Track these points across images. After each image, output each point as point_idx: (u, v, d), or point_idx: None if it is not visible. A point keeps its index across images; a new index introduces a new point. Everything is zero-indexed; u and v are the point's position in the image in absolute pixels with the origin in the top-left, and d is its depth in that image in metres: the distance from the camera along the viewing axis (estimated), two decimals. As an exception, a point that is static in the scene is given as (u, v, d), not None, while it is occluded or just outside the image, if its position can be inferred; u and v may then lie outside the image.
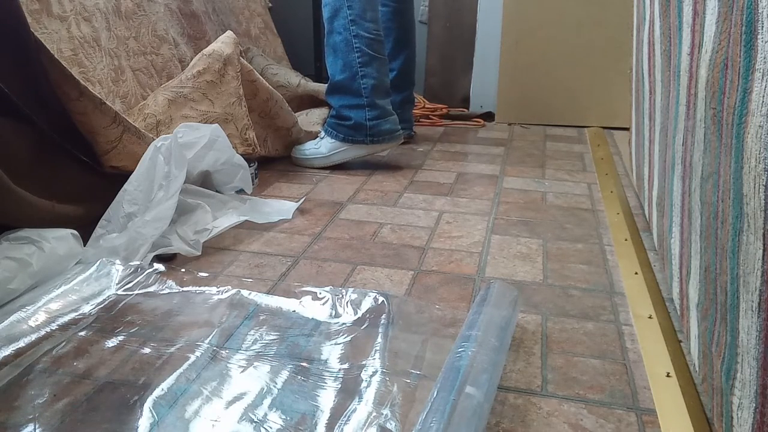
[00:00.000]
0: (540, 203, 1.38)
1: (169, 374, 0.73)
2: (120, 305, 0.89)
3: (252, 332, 0.83)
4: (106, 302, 0.90)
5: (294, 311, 0.89)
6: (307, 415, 0.67)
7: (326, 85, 1.62)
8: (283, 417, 0.66)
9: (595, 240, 1.17)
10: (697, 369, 0.74)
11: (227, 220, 1.17)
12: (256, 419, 0.66)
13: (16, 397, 0.69)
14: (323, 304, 0.90)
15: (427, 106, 2.28)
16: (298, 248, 1.12)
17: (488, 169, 1.64)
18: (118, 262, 0.98)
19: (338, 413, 0.67)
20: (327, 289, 0.93)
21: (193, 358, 0.77)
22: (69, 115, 1.10)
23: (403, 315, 0.87)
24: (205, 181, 1.28)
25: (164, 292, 0.94)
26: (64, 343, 0.79)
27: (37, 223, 0.98)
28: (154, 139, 1.13)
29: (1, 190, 0.93)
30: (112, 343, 0.80)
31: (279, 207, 1.28)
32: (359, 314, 0.87)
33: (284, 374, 0.74)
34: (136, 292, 0.93)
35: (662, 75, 1.00)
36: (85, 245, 1.02)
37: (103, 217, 1.07)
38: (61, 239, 0.96)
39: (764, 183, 0.49)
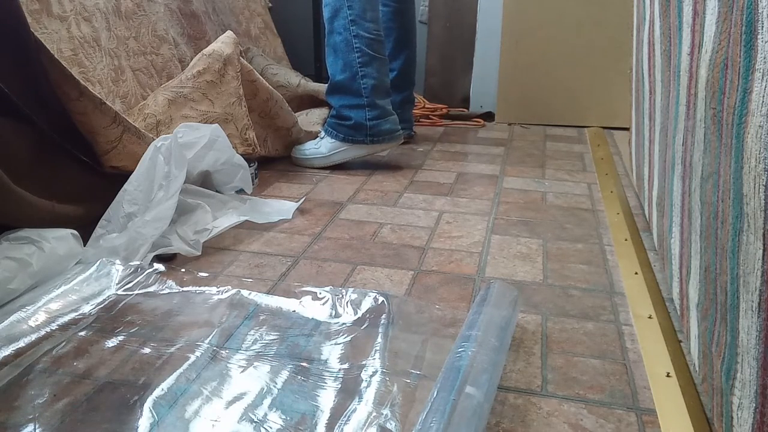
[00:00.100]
0: (540, 203, 1.38)
1: (169, 374, 0.73)
2: (120, 305, 0.89)
3: (252, 332, 0.83)
4: (106, 302, 0.90)
5: (294, 311, 0.89)
6: (307, 415, 0.67)
7: (326, 85, 1.62)
8: (283, 417, 0.66)
9: (595, 240, 1.17)
10: (697, 369, 0.74)
11: (227, 220, 1.17)
12: (256, 419, 0.66)
13: (16, 397, 0.69)
14: (323, 304, 0.90)
15: (427, 106, 2.28)
16: (298, 248, 1.12)
17: (488, 169, 1.64)
18: (118, 262, 0.98)
19: (338, 413, 0.67)
20: (327, 289, 0.93)
21: (193, 358, 0.77)
22: (69, 115, 1.10)
23: (403, 315, 0.87)
24: (205, 181, 1.28)
25: (164, 292, 0.94)
26: (64, 343, 0.79)
27: (37, 223, 0.98)
28: (154, 139, 1.13)
29: (1, 190, 0.93)
30: (112, 343, 0.80)
31: (279, 207, 1.28)
32: (359, 314, 0.87)
33: (284, 374, 0.74)
34: (136, 292, 0.93)
35: (662, 75, 1.00)
36: (85, 245, 1.02)
37: (103, 217, 1.07)
38: (61, 239, 0.96)
39: (764, 183, 0.49)
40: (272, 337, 0.82)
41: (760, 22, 0.50)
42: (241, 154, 1.31)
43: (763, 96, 0.49)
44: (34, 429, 0.64)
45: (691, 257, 0.76)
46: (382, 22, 1.60)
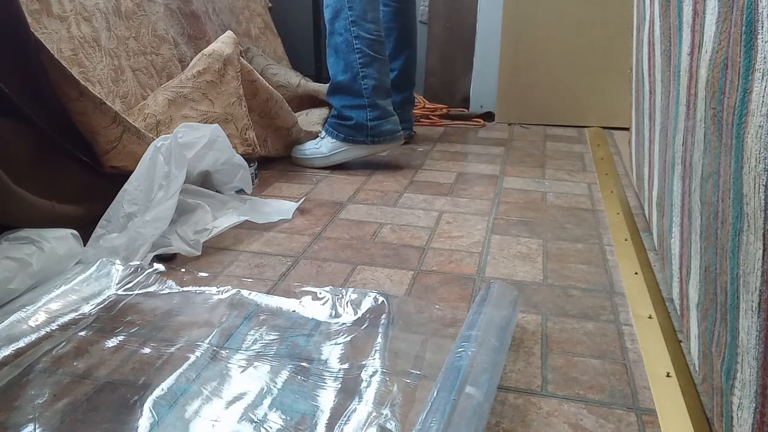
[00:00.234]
0: (540, 203, 1.38)
1: (169, 374, 0.73)
2: (120, 305, 0.89)
3: (252, 332, 0.83)
4: (106, 302, 0.90)
5: (294, 311, 0.89)
6: (307, 415, 0.67)
7: (326, 85, 1.63)
8: (283, 417, 0.66)
9: (595, 240, 1.17)
10: (697, 369, 0.74)
11: (227, 220, 1.17)
12: (256, 419, 0.66)
13: (16, 397, 0.69)
14: (323, 304, 0.90)
15: (427, 106, 2.28)
16: (298, 248, 1.12)
17: (488, 169, 1.64)
18: (118, 262, 0.98)
19: (338, 413, 0.67)
20: (327, 289, 0.93)
21: (193, 358, 0.77)
22: (69, 115, 1.10)
23: (403, 315, 0.87)
24: (205, 181, 1.28)
25: (164, 292, 0.94)
26: (64, 343, 0.79)
27: (37, 223, 0.98)
28: (154, 139, 1.13)
29: (1, 190, 0.93)
30: (112, 343, 0.80)
31: (279, 207, 1.28)
32: (359, 314, 0.87)
33: (284, 374, 0.74)
34: (136, 292, 0.93)
35: (662, 75, 1.00)
36: (85, 245, 1.02)
37: (103, 217, 1.07)
38: (61, 239, 0.96)
39: (764, 183, 0.49)
40: (272, 337, 0.82)
41: (760, 22, 0.50)
42: (241, 154, 1.31)
43: (763, 96, 0.49)
44: (34, 429, 0.64)
45: (691, 257, 0.76)
46: (383, 22, 1.60)
